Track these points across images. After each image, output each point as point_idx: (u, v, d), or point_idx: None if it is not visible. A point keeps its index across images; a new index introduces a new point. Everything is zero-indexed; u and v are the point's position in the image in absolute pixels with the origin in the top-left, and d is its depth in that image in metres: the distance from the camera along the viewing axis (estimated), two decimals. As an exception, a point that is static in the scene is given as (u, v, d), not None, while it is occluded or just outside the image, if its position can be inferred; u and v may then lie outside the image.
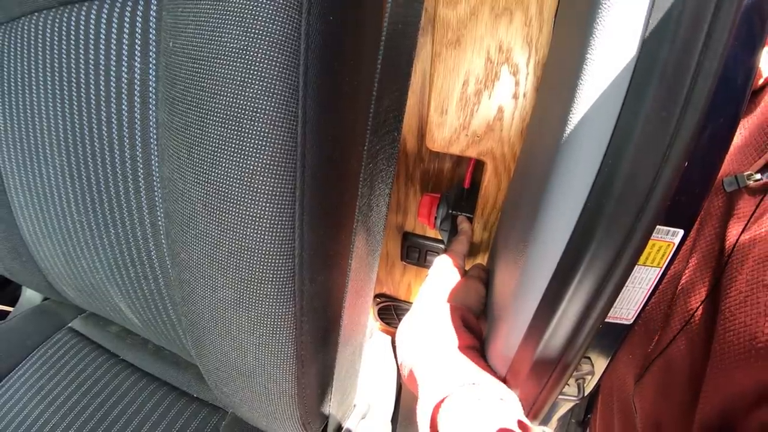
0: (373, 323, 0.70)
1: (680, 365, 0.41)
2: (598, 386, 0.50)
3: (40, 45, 0.41)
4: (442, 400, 0.31)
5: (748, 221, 0.38)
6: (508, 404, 0.32)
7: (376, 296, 0.67)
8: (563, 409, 0.51)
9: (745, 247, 0.37)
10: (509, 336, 0.34)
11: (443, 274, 0.42)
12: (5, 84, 0.45)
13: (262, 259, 0.26)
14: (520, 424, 0.30)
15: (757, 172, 0.38)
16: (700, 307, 0.40)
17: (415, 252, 0.59)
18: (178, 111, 0.27)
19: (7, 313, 0.72)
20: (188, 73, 0.26)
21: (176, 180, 0.28)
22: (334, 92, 0.25)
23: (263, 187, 0.25)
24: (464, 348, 0.35)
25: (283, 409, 0.31)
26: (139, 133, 0.35)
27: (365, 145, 0.26)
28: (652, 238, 0.38)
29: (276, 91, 0.24)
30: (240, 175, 0.25)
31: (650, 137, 0.24)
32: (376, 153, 0.27)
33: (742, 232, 0.38)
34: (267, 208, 0.25)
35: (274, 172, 0.25)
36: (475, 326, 0.39)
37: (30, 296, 0.68)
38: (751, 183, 0.38)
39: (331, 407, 0.35)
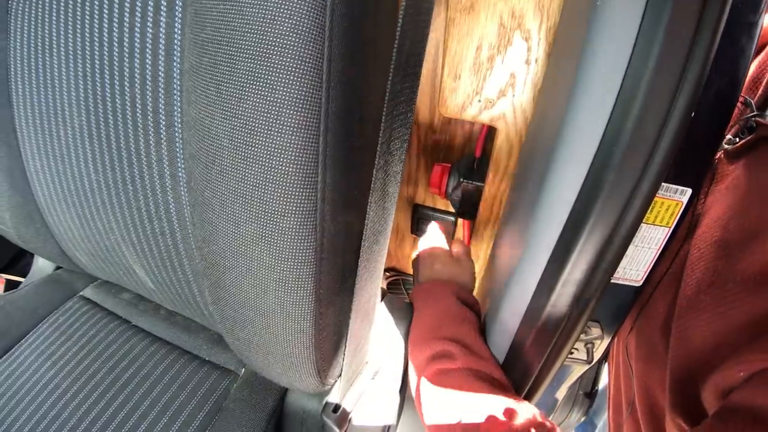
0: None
1: (656, 322, 0.42)
2: (606, 353, 0.50)
3: (62, 7, 0.42)
4: (423, 372, 0.34)
5: (711, 184, 0.39)
6: (484, 374, 0.34)
7: (386, 270, 0.68)
8: (574, 375, 0.51)
9: (707, 209, 0.39)
10: (524, 290, 0.35)
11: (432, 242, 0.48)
12: (25, 49, 0.46)
13: (285, 192, 0.27)
14: (498, 393, 0.32)
15: (735, 136, 0.38)
16: (672, 265, 0.42)
17: (425, 224, 0.60)
18: (207, 52, 0.28)
19: (19, 283, 0.72)
20: (218, 14, 0.27)
21: (203, 119, 0.29)
22: (358, 32, 0.26)
23: (290, 120, 0.26)
24: (454, 317, 0.39)
25: (300, 351, 0.32)
26: (162, 85, 0.36)
27: (388, 84, 0.27)
28: (660, 195, 0.38)
29: (304, 27, 0.25)
30: (267, 108, 0.26)
31: (657, 87, 0.25)
32: (398, 94, 0.28)
33: (707, 195, 0.39)
34: (292, 141, 0.26)
35: (301, 105, 0.26)
36: (467, 299, 0.42)
37: (42, 266, 0.68)
38: (728, 147, 0.38)
39: (345, 356, 0.36)
